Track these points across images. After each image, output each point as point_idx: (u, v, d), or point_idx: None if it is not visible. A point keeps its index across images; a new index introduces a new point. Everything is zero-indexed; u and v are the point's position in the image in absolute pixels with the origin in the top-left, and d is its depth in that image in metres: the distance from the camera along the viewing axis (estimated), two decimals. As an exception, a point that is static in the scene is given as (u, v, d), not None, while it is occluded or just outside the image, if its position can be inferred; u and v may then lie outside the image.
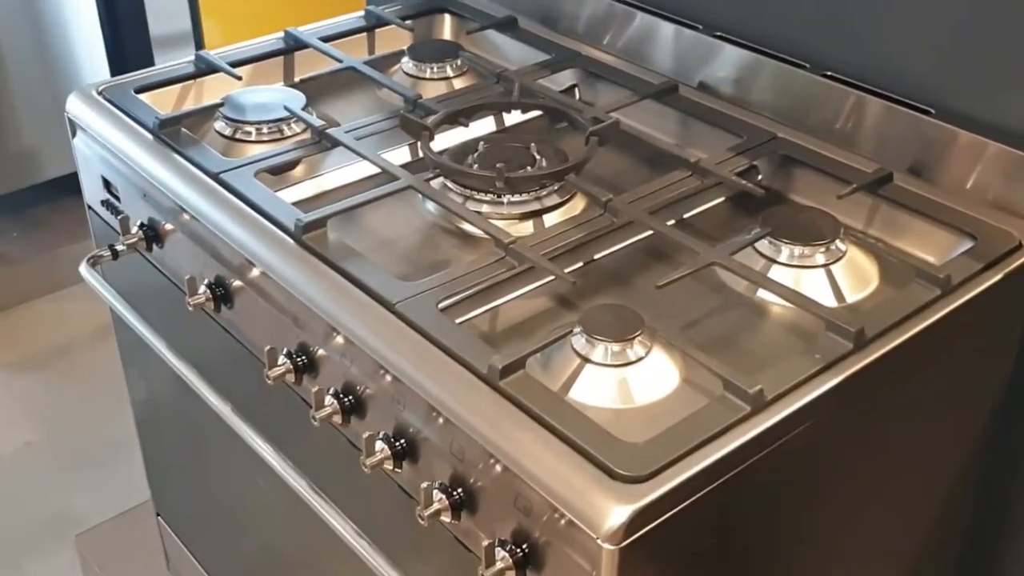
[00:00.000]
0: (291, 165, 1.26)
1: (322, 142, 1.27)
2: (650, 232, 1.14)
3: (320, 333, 1.06)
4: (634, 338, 0.97)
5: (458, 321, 1.02)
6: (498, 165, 1.16)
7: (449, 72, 1.48)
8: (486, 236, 1.11)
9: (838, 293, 1.09)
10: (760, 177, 1.25)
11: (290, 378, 1.09)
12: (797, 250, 1.10)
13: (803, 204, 1.18)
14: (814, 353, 0.96)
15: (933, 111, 1.20)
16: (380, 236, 1.18)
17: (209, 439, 1.41)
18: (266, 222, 1.14)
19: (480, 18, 1.58)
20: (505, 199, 1.18)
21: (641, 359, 0.97)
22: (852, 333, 0.96)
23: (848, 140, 1.27)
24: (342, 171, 1.27)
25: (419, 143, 1.24)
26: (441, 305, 1.02)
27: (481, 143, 1.25)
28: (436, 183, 1.20)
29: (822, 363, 0.95)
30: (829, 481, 1.02)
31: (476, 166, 1.21)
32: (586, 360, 0.97)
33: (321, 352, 1.07)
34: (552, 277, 1.06)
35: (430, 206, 1.22)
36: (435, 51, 1.50)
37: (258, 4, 2.67)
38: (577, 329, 0.98)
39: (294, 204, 1.18)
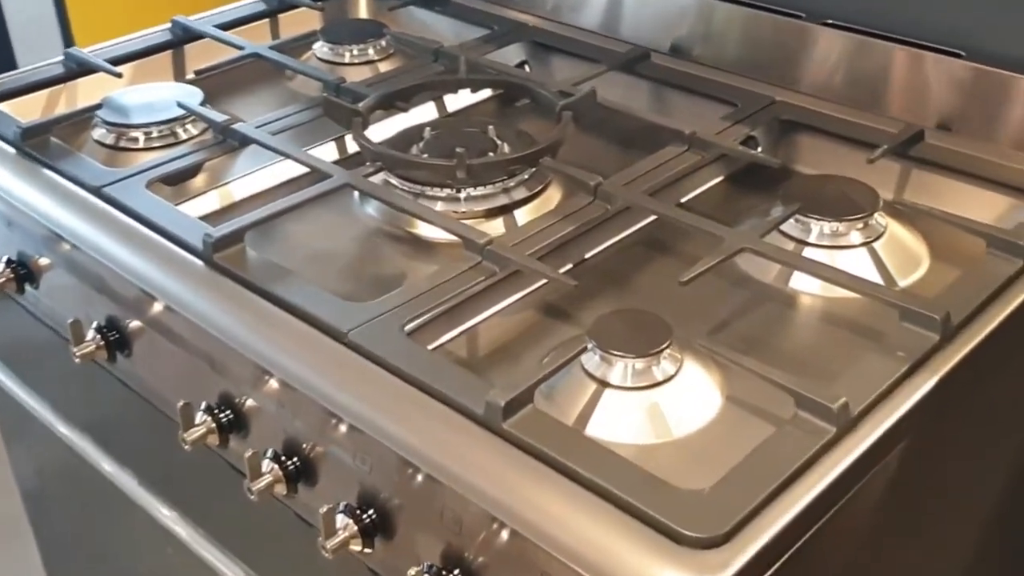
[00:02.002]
0: (191, 172, 1.01)
1: (228, 141, 1.03)
2: (651, 219, 0.92)
3: (248, 379, 0.82)
4: (662, 350, 0.75)
5: (430, 348, 0.79)
6: (458, 150, 0.93)
7: (372, 54, 1.25)
8: (452, 238, 0.89)
9: (886, 275, 0.89)
10: (760, 149, 1.05)
11: (213, 440, 0.84)
12: (831, 227, 0.90)
13: (822, 175, 0.98)
14: (892, 350, 0.75)
15: (964, 53, 1.01)
16: (312, 249, 0.94)
17: (111, 513, 1.15)
18: (166, 242, 0.89)
19: None
20: (464, 193, 0.96)
21: (672, 377, 0.76)
22: (937, 321, 0.76)
23: (860, 97, 1.07)
24: (255, 175, 1.03)
25: (350, 132, 1.01)
26: (407, 328, 0.78)
27: (427, 130, 1.02)
28: (377, 179, 0.97)
29: (907, 361, 0.74)
30: (921, 507, 0.81)
31: (426, 156, 0.98)
32: (604, 383, 0.75)
33: (251, 403, 0.83)
34: (543, 281, 0.84)
35: (371, 208, 0.98)
36: (354, 31, 1.27)
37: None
38: (589, 344, 0.76)
39: (199, 219, 0.94)
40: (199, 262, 0.86)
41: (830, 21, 1.08)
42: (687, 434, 0.73)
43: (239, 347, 0.81)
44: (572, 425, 0.73)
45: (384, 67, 1.23)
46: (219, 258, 0.85)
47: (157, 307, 0.88)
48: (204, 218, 0.95)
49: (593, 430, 0.73)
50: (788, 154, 1.06)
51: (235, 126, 1.03)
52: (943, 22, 1.01)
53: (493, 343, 0.82)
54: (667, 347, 0.75)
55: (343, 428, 0.75)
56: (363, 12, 1.39)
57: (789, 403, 0.71)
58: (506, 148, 1.00)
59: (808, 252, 0.89)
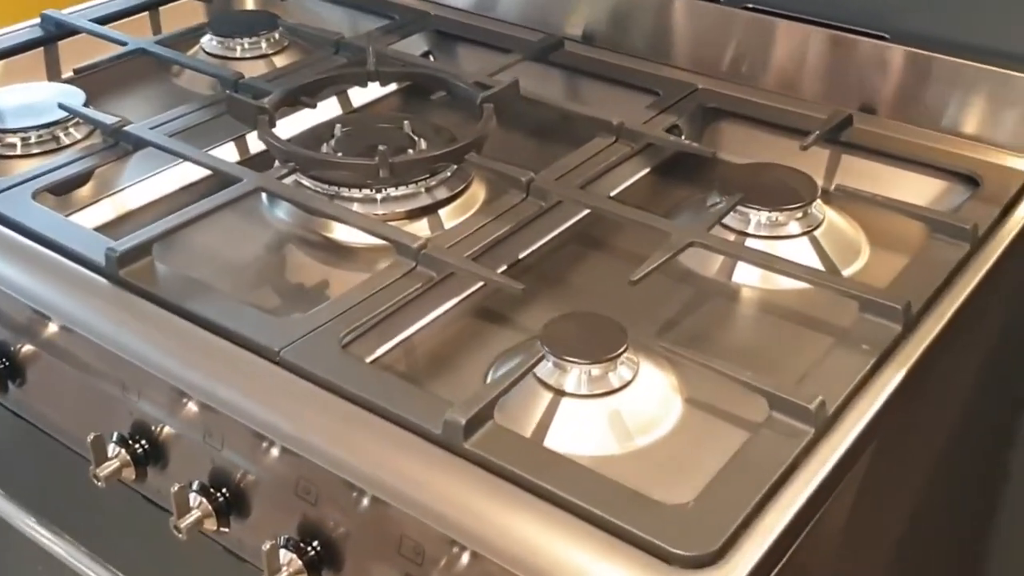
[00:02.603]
0: (81, 180, 0.92)
1: (120, 145, 0.95)
2: (583, 215, 0.87)
3: (167, 405, 0.74)
4: (619, 355, 0.71)
5: (368, 361, 0.73)
6: (380, 148, 0.87)
7: (265, 48, 1.17)
8: (374, 242, 0.83)
9: (829, 264, 0.86)
10: (683, 137, 1.01)
11: (128, 474, 0.76)
12: (771, 217, 0.87)
13: (756, 163, 0.95)
14: (855, 343, 0.72)
15: (887, 36, 0.99)
16: (224, 259, 0.87)
17: (11, 558, 1.05)
18: (62, 259, 0.81)
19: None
20: (382, 194, 0.90)
21: (629, 382, 0.71)
22: (899, 311, 0.73)
23: (783, 83, 1.04)
24: (150, 181, 0.94)
25: (257, 131, 0.93)
26: (345, 343, 0.72)
27: (337, 126, 0.96)
28: (290, 181, 0.90)
29: (874, 354, 0.71)
30: (890, 504, 0.79)
31: (341, 154, 0.92)
32: (560, 392, 0.70)
33: (170, 431, 0.75)
34: (479, 284, 0.78)
35: (282, 212, 0.91)
36: (245, 23, 1.19)
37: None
38: (543, 351, 0.71)
39: (94, 231, 0.86)
40: (102, 279, 0.78)
41: (750, 5, 1.06)
42: (652, 442, 0.69)
43: (156, 371, 0.73)
44: (530, 437, 0.68)
45: (280, 61, 1.16)
46: (125, 274, 0.77)
47: (52, 329, 0.79)
48: (99, 230, 0.87)
49: (552, 442, 0.68)
50: (714, 142, 1.02)
51: (127, 128, 0.94)
52: (866, 4, 0.99)
53: (433, 353, 0.76)
54: (624, 351, 0.71)
55: (281, 456, 0.68)
56: (251, 3, 1.31)
57: (753, 403, 0.68)
58: (423, 144, 0.94)
59: (749, 243, 0.87)
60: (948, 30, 0.96)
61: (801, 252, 0.86)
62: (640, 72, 1.07)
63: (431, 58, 1.18)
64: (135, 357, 0.74)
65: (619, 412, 0.70)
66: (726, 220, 0.88)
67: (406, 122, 0.96)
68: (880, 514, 0.77)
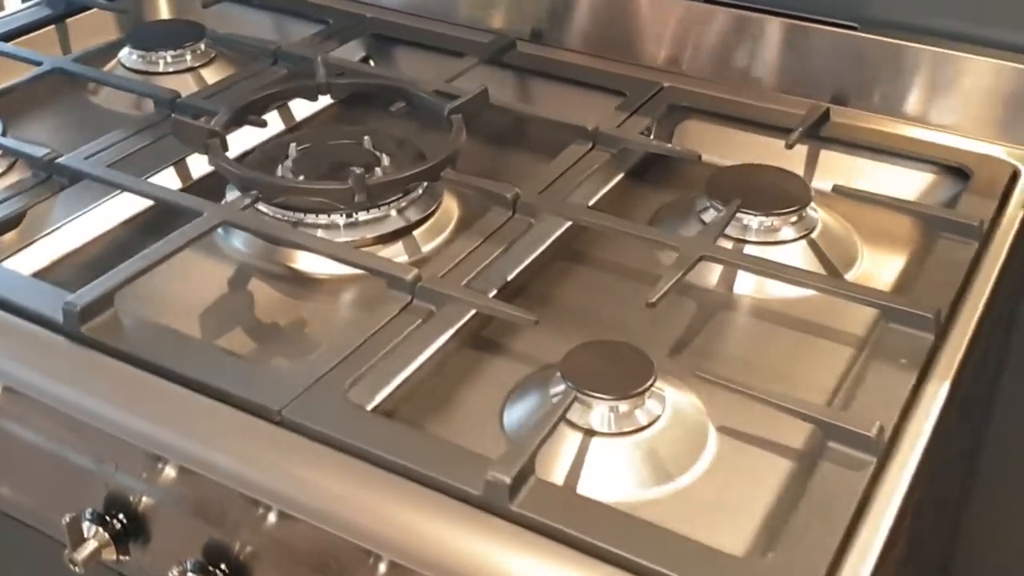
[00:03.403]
0: (13, 222, 0.82)
1: (52, 179, 0.85)
2: (564, 228, 0.82)
3: (144, 471, 0.66)
4: (649, 387, 0.66)
5: (371, 407, 0.66)
6: (355, 170, 0.79)
7: (190, 60, 1.08)
8: (346, 272, 0.76)
9: (831, 268, 0.83)
10: (652, 138, 0.97)
11: (109, 554, 0.68)
12: (766, 222, 0.83)
13: (743, 165, 0.90)
14: (889, 356, 0.68)
15: (857, 26, 0.96)
16: (189, 303, 0.78)
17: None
18: (8, 316, 0.72)
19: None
20: (348, 218, 0.83)
21: (660, 415, 0.66)
22: (931, 320, 0.70)
23: (751, 78, 1.01)
24: (87, 217, 0.85)
25: (208, 156, 0.85)
26: (351, 395, 0.65)
27: (292, 146, 0.88)
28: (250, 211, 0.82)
29: (914, 368, 0.67)
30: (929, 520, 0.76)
31: (303, 177, 0.84)
32: (589, 432, 0.65)
33: (149, 500, 0.67)
34: (471, 313, 0.72)
35: (239, 243, 0.83)
36: (167, 35, 1.09)
37: None
38: (567, 387, 0.65)
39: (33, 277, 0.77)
40: (60, 338, 0.69)
41: (711, -3, 1.01)
42: (692, 480, 0.64)
43: (135, 439, 0.65)
44: (563, 484, 0.63)
45: (209, 75, 1.07)
46: (88, 329, 0.69)
47: (8, 400, 0.70)
48: (39, 277, 0.78)
49: (587, 487, 0.63)
50: (686, 143, 0.98)
51: (61, 161, 0.85)
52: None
53: (438, 392, 0.70)
54: (653, 382, 0.66)
55: (293, 527, 0.61)
56: (164, 12, 1.21)
57: (787, 427, 0.65)
58: (387, 161, 0.87)
59: (748, 250, 0.82)
60: (918, 17, 0.94)
61: (801, 257, 0.83)
62: (602, 72, 1.02)
63: (370, 63, 1.11)
64: (109, 424, 0.66)
65: (654, 449, 0.65)
66: (708, 220, 0.84)
67: (366, 137, 0.89)
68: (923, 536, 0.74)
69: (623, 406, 0.66)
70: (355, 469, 0.61)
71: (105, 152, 0.89)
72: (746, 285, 0.81)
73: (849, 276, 0.82)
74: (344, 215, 0.82)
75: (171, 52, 1.07)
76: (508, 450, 0.59)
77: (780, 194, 0.84)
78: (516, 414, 0.68)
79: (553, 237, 0.82)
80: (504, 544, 0.57)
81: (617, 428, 0.65)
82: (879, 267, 0.83)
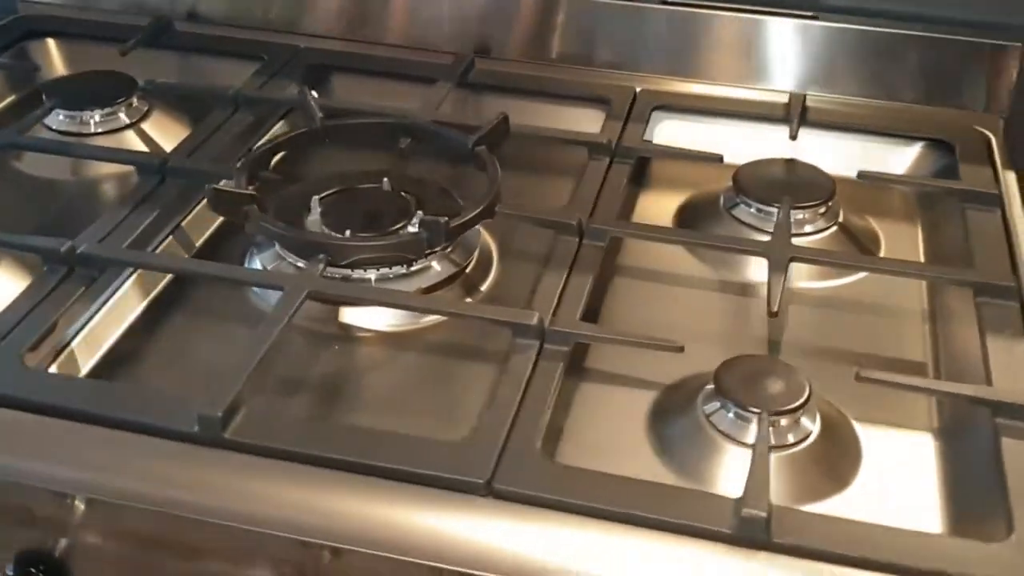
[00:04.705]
0: (53, 325, 0.73)
1: (76, 273, 0.76)
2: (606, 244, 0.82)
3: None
4: (808, 397, 0.68)
5: (565, 463, 0.64)
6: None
7: (124, 117, 0.99)
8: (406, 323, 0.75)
9: (867, 250, 0.88)
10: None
11: None
12: (811, 214, 0.87)
13: (760, 160, 0.92)
14: (996, 330, 0.73)
15: (816, 16, 1.01)
16: (285, 379, 0.73)
17: None
18: (121, 434, 0.64)
19: (102, 32, 1.09)
20: (402, 271, 0.79)
21: (816, 424, 0.68)
22: (1012, 288, 0.76)
23: (726, 74, 1.04)
24: (112, 304, 0.77)
25: (247, 224, 0.79)
26: (540, 449, 0.63)
27: (314, 199, 0.83)
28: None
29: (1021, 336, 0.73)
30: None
31: (349, 231, 0.80)
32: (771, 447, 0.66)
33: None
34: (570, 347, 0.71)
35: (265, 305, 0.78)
36: (95, 89, 0.99)
37: None
38: (717, 405, 0.66)
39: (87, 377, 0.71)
40: (199, 447, 0.63)
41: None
42: (866, 478, 0.67)
43: (324, 537, 0.60)
44: (792, 507, 0.63)
45: (153, 130, 0.99)
46: (234, 436, 0.63)
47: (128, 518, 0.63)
48: (95, 377, 0.71)
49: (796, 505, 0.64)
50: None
51: (85, 251, 0.76)
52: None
53: (583, 431, 0.69)
54: (810, 392, 0.68)
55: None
56: (59, 67, 1.10)
57: (911, 411, 0.70)
58: (414, 204, 0.84)
59: (799, 242, 0.84)
60: (875, 3, 1.00)
61: (842, 243, 0.87)
62: (570, 82, 1.03)
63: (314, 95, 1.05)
64: (282, 529, 0.61)
65: (823, 456, 0.67)
66: (750, 221, 0.87)
67: (385, 180, 0.86)
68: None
69: (784, 420, 0.67)
70: (574, 530, 0.59)
71: (116, 232, 0.80)
72: (800, 278, 0.84)
73: (883, 254, 0.87)
74: (408, 264, 0.79)
75: (99, 110, 0.98)
76: (748, 485, 0.60)
77: (810, 185, 0.88)
78: (671, 437, 0.69)
79: (602, 256, 0.82)
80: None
81: (781, 441, 0.67)
82: (902, 244, 0.89)
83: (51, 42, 1.11)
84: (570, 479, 0.62)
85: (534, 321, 0.71)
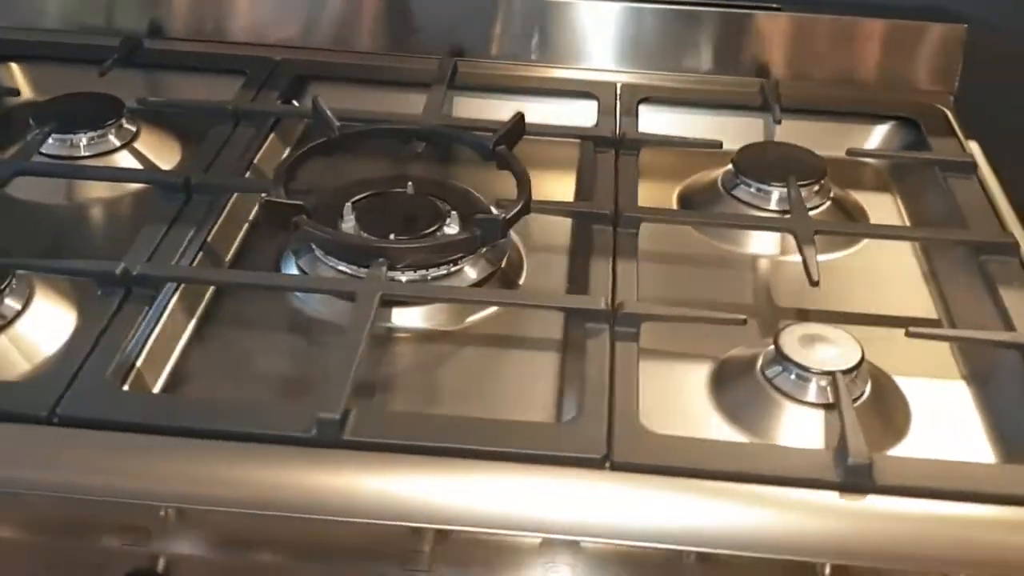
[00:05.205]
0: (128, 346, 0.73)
1: (135, 292, 0.76)
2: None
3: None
4: (863, 360, 0.73)
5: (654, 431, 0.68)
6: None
7: (115, 139, 0.97)
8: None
9: (862, 221, 0.95)
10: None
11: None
12: (812, 191, 0.93)
13: (756, 144, 0.99)
14: (1007, 283, 0.81)
15: (779, 6, 1.08)
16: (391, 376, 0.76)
17: None
18: (242, 445, 0.65)
19: (67, 54, 1.08)
20: (438, 271, 0.82)
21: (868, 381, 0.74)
22: (1010, 245, 0.84)
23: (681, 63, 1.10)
24: (164, 321, 0.77)
25: (296, 235, 0.80)
26: (644, 424, 0.67)
27: (347, 205, 0.85)
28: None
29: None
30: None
31: (393, 235, 0.82)
32: (825, 406, 0.71)
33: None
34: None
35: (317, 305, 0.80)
36: (85, 112, 0.98)
37: None
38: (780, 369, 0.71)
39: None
40: (318, 449, 0.64)
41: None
42: (920, 423, 0.73)
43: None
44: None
45: (148, 150, 0.97)
46: (349, 436, 0.65)
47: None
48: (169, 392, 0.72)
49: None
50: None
51: (142, 271, 0.76)
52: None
53: (667, 406, 0.73)
54: (863, 354, 0.73)
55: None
56: (27, 91, 1.08)
57: (933, 355, 0.77)
58: (444, 205, 0.86)
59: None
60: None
61: (836, 216, 0.93)
62: (554, 79, 1.07)
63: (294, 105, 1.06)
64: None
65: (882, 409, 0.73)
66: (750, 200, 0.93)
67: (409, 184, 0.88)
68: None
69: (844, 379, 0.72)
70: (691, 495, 0.63)
71: (162, 251, 0.80)
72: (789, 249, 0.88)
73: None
74: (447, 267, 0.82)
75: (86, 134, 0.96)
76: (844, 436, 0.65)
77: (804, 165, 0.94)
78: (736, 403, 0.73)
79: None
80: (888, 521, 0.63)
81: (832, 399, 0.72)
82: (884, 214, 0.96)
83: (14, 66, 1.08)
84: (679, 448, 0.66)
85: (603, 306, 0.75)
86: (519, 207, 0.82)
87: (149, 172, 0.91)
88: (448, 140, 0.92)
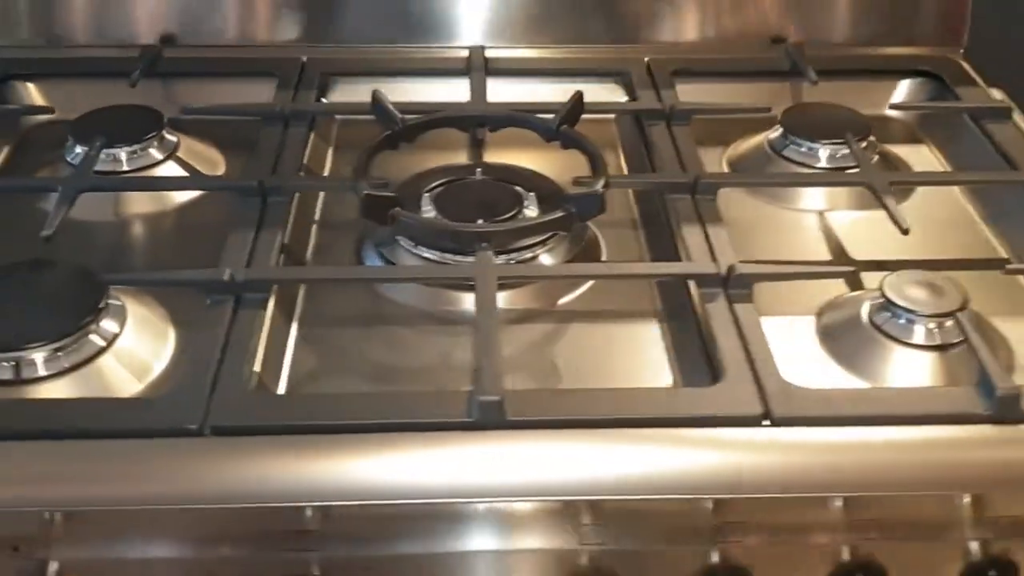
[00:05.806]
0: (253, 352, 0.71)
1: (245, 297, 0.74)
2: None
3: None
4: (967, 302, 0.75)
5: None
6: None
7: (156, 153, 0.95)
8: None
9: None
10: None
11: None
12: (864, 146, 0.95)
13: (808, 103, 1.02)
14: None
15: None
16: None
17: None
18: (391, 437, 0.64)
19: (81, 69, 1.05)
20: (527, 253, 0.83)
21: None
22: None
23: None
24: (268, 322, 0.75)
25: (396, 225, 0.80)
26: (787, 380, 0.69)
27: (425, 196, 0.85)
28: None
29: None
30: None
31: (481, 220, 0.82)
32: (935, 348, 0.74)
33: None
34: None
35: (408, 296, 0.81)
36: (127, 126, 0.95)
37: None
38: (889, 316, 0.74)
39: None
40: (483, 432, 0.64)
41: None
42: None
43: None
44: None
45: (193, 159, 0.95)
46: (513, 416, 0.65)
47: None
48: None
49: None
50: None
51: (248, 276, 0.75)
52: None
53: (794, 361, 0.74)
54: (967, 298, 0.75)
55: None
56: (37, 98, 1.05)
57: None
58: (521, 189, 0.87)
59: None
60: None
61: (888, 169, 0.96)
62: (581, 59, 1.08)
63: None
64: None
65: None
66: (800, 159, 0.95)
67: (478, 170, 0.88)
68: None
69: (948, 321, 0.75)
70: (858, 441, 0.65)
71: (256, 253, 0.79)
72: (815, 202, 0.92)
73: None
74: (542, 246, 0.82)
75: (127, 148, 0.93)
76: (987, 369, 0.67)
77: (850, 123, 0.97)
78: (848, 350, 0.75)
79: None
80: None
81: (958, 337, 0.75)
82: (927, 164, 0.99)
83: (31, 85, 1.05)
84: (831, 399, 0.68)
85: (718, 270, 0.76)
86: (603, 181, 0.83)
87: (221, 180, 0.90)
88: (511, 124, 0.92)
